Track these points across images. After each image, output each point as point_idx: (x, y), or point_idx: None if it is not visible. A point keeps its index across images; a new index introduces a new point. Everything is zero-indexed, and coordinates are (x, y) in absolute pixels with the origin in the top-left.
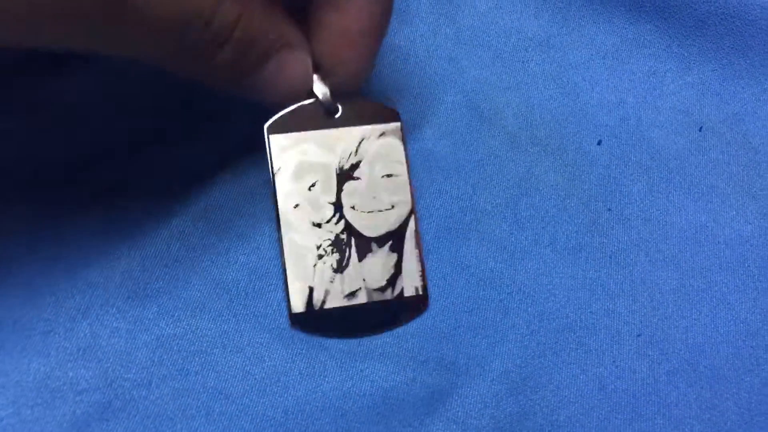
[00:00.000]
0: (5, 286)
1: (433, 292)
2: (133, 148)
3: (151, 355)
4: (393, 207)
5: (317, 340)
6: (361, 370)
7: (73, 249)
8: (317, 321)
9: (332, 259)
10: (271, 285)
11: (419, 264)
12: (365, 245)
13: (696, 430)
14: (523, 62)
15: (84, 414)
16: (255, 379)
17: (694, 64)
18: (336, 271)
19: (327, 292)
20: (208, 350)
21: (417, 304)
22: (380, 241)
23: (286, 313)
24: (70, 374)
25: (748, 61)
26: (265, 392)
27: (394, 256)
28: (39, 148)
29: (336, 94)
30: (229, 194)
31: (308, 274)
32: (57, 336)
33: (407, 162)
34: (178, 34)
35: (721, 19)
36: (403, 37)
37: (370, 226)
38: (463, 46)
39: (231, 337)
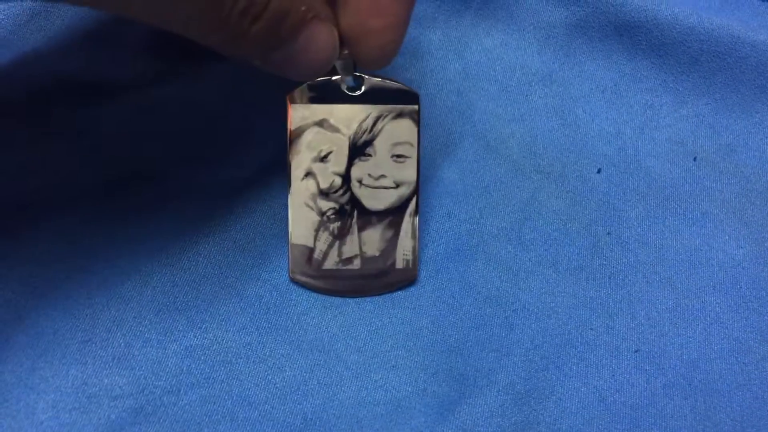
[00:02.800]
0: (46, 299)
1: (442, 309)
2: (163, 173)
3: (180, 363)
4: (398, 186)
5: (334, 352)
6: (375, 381)
7: (108, 266)
8: (314, 278)
9: (334, 227)
10: (291, 300)
11: (413, 241)
12: (366, 218)
13: None
14: (527, 96)
15: (118, 418)
16: (276, 387)
17: (688, 98)
18: (336, 238)
19: (325, 255)
20: (233, 360)
21: (406, 275)
22: (381, 216)
23: (305, 326)
24: (106, 381)
25: (739, 96)
26: (286, 400)
27: (392, 231)
28: (77, 172)
29: (362, 69)
30: (252, 216)
31: (310, 236)
32: (93, 345)
33: (419, 145)
34: (215, 4)
35: (714, 56)
36: (414, 72)
37: (373, 201)
38: (470, 81)
39: (254, 348)
